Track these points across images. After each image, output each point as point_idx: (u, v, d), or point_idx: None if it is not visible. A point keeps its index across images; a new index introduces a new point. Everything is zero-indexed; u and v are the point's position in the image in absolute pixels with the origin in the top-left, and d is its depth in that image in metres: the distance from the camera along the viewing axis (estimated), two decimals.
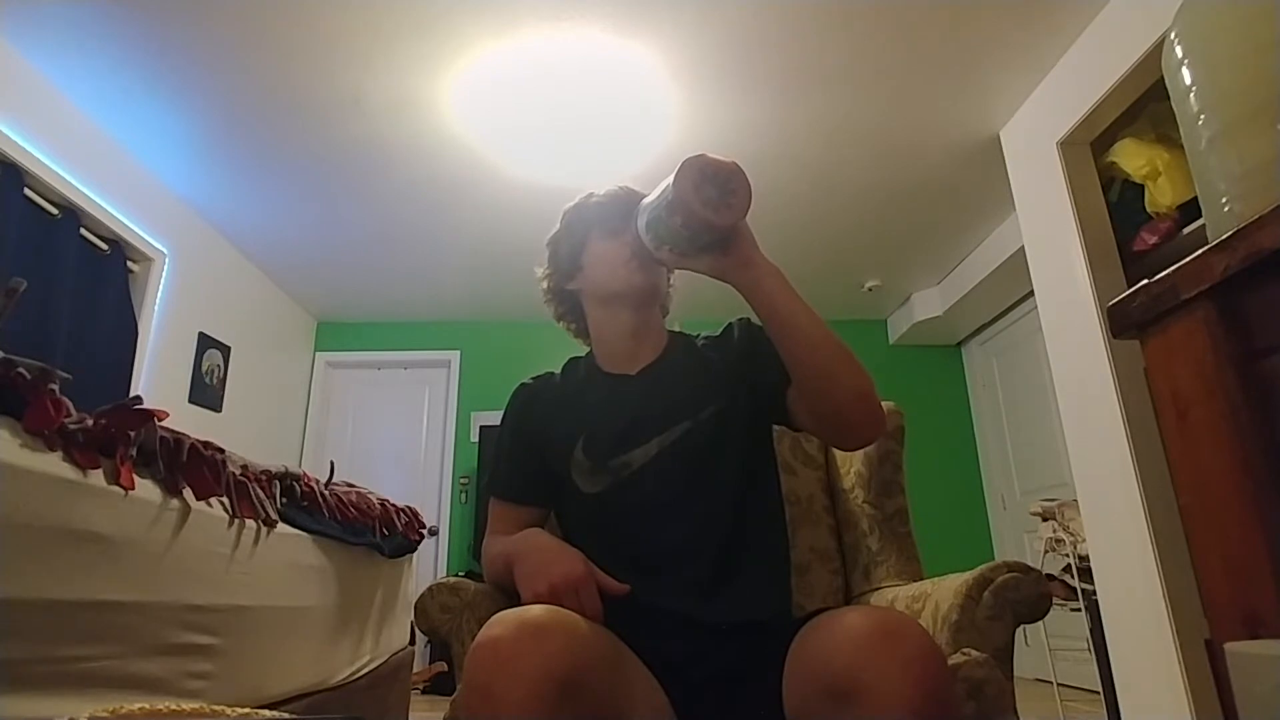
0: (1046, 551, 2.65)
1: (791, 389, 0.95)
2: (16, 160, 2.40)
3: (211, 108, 2.68)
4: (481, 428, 4.46)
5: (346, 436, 4.70)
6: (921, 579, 1.15)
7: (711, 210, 0.82)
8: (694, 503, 0.95)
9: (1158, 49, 1.84)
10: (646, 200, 0.92)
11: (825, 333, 0.87)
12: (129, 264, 3.03)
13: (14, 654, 0.81)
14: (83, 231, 2.75)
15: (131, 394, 2.58)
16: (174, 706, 0.75)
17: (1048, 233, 2.59)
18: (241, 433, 3.73)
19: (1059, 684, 2.77)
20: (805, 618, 0.85)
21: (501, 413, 1.12)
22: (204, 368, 3.52)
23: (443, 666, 3.74)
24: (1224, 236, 0.59)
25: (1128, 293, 0.69)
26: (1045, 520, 2.68)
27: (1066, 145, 2.48)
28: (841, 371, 0.87)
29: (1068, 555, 2.52)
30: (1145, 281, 0.67)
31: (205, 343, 3.54)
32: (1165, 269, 0.65)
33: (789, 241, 3.67)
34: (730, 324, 1.09)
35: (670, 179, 0.84)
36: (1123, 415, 2.21)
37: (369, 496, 1.79)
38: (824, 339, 0.87)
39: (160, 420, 1.06)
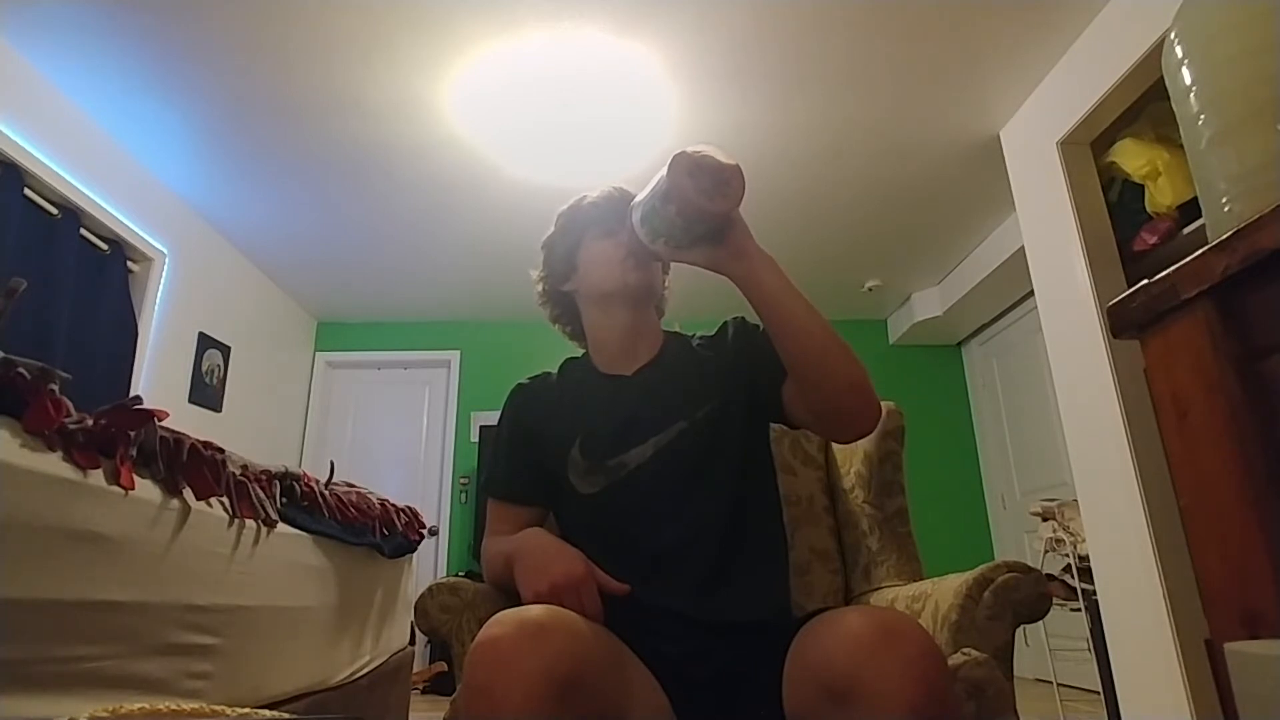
0: (1046, 551, 2.65)
1: (787, 384, 0.95)
2: (16, 160, 2.40)
3: (211, 108, 2.68)
4: (481, 428, 4.47)
5: (346, 436, 4.70)
6: (921, 579, 1.15)
7: (706, 197, 0.81)
8: (691, 502, 0.95)
9: (1158, 49, 1.84)
10: (640, 196, 0.92)
11: (820, 323, 0.87)
12: (129, 264, 3.03)
13: (14, 654, 0.81)
14: (83, 231, 2.75)
15: (131, 394, 2.58)
16: (174, 706, 0.76)
17: (1048, 233, 2.59)
18: (241, 433, 3.73)
19: (1059, 684, 2.76)
20: (805, 618, 0.85)
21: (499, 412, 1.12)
22: (204, 368, 3.52)
23: (443, 666, 3.74)
24: (1224, 236, 0.59)
25: (1128, 293, 0.69)
26: (1045, 520, 2.68)
27: (1066, 145, 2.48)
28: (837, 361, 0.87)
29: (1068, 555, 2.52)
30: (1145, 281, 0.67)
31: (205, 343, 3.53)
32: (1165, 269, 0.65)
33: (789, 241, 3.67)
34: (725, 323, 1.09)
35: (664, 170, 0.84)
36: (1123, 415, 2.21)
37: (369, 496, 1.79)
38: (819, 329, 0.87)
39: (160, 420, 1.06)
